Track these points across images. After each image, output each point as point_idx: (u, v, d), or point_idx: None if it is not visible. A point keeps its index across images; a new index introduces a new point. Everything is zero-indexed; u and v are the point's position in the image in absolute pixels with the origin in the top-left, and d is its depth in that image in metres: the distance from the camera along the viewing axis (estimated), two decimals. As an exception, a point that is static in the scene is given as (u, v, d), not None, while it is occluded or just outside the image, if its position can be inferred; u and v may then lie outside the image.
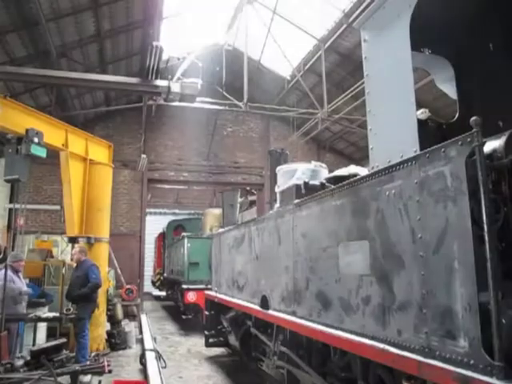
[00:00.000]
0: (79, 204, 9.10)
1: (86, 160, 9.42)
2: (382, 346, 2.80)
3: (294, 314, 4.36)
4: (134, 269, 16.27)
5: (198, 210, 25.99)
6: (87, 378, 3.00)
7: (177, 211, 28.39)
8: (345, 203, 3.43)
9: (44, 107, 12.75)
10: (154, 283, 22.82)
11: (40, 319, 6.83)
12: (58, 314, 7.29)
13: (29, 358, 3.21)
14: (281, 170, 5.87)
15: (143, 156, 14.20)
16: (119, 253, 15.08)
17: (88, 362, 6.85)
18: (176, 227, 19.23)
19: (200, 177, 18.42)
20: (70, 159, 8.91)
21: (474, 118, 2.19)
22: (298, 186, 4.77)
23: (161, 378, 5.79)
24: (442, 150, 2.38)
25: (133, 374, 7.28)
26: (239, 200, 18.13)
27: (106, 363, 3.35)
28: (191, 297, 11.58)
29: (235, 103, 13.13)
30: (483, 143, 2.18)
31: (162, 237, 21.10)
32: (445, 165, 2.36)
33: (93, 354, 7.81)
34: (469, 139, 2.21)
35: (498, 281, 2.03)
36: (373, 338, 2.94)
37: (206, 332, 8.48)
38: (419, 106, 2.98)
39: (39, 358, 3.25)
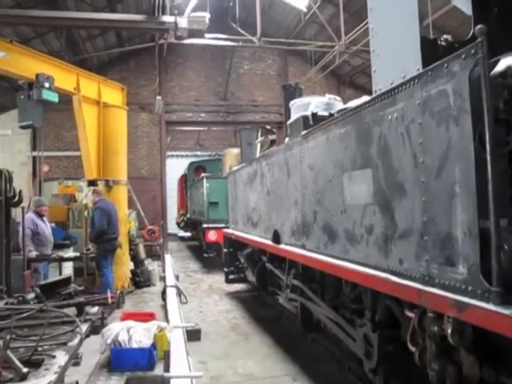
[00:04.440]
0: (95, 148, 9.12)
1: (99, 103, 9.32)
2: (384, 275, 2.76)
3: (303, 247, 4.34)
4: (157, 211, 16.58)
5: (220, 151, 25.92)
6: (94, 309, 3.12)
7: (198, 153, 28.37)
8: (349, 131, 3.28)
9: (56, 52, 12.54)
10: (178, 224, 23.30)
11: (62, 259, 7.10)
12: (78, 254, 7.55)
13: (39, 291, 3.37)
14: (294, 104, 5.67)
15: (158, 98, 13.99)
16: (141, 196, 15.31)
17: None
18: (197, 168, 19.24)
19: (218, 117, 18.20)
20: (82, 103, 8.83)
21: (478, 26, 1.98)
22: (305, 118, 4.61)
23: (179, 311, 5.98)
24: (445, 65, 2.19)
25: (155, 309, 7.53)
26: (260, 139, 17.95)
27: (109, 295, 3.45)
28: (211, 236, 11.77)
29: (249, 38, 12.62)
30: (488, 55, 1.97)
31: (183, 179, 21.24)
32: (447, 82, 2.17)
33: (118, 292, 8.14)
34: (473, 51, 2.01)
35: (499, 204, 1.90)
36: (376, 268, 2.89)
37: (226, 269, 8.69)
38: (443, 32, 2.73)
39: (49, 292, 3.38)
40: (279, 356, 5.18)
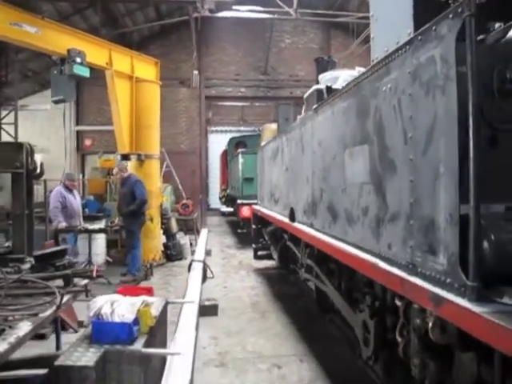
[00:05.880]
0: (128, 122, 9.20)
1: (132, 78, 9.36)
2: (374, 260, 2.56)
3: (311, 226, 4.18)
4: (196, 185, 16.72)
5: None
6: (84, 282, 3.16)
7: (242, 128, 28.27)
8: (350, 104, 3.05)
9: (96, 28, 12.68)
10: (220, 199, 23.50)
11: (87, 230, 7.25)
12: (103, 226, 7.72)
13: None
14: (323, 78, 5.40)
15: (195, 72, 13.94)
16: (180, 170, 15.48)
17: (136, 273, 7.38)
18: (237, 144, 19.11)
19: (258, 92, 17.93)
20: (115, 78, 8.89)
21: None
22: (319, 91, 4.38)
23: (200, 286, 5.98)
24: (434, 27, 1.93)
25: (181, 283, 7.63)
26: (302, 115, 17.60)
27: (95, 269, 3.47)
28: (245, 211, 11.70)
29: (286, 11, 12.16)
30: (477, 13, 1.71)
31: (225, 154, 21.27)
32: (435, 47, 1.92)
33: (147, 264, 8.32)
34: (460, 9, 1.74)
35: (479, 183, 1.67)
36: (369, 252, 2.70)
37: (254, 245, 8.65)
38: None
39: (42, 263, 3.44)
40: (291, 335, 5.08)
